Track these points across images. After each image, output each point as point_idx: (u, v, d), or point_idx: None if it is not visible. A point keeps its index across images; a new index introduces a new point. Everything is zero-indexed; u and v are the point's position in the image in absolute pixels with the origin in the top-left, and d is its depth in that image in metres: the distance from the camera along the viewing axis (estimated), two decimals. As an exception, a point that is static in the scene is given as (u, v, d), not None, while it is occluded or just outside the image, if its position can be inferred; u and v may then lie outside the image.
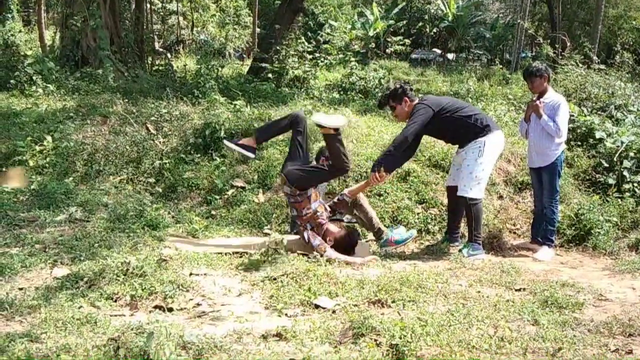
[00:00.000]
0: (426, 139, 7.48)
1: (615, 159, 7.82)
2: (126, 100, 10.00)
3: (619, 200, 7.29)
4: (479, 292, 4.75)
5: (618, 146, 7.92)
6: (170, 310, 4.15)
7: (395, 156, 6.15)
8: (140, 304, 4.19)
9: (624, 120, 9.21)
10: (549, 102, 6.39)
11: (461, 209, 6.34)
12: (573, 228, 6.95)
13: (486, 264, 5.68)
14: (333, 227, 6.03)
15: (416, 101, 6.31)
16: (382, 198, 7.45)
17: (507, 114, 10.44)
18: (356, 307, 4.25)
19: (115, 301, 4.22)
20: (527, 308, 4.24)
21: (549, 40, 14.13)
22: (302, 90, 12.61)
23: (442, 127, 6.22)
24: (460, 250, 6.15)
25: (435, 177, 7.82)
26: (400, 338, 3.39)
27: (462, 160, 6.21)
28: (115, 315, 3.96)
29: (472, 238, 6.20)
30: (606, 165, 7.93)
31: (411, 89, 6.40)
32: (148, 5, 16.36)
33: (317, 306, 4.26)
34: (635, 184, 7.50)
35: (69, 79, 11.57)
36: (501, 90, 13.09)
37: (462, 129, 6.12)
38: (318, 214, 5.95)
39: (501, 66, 16.73)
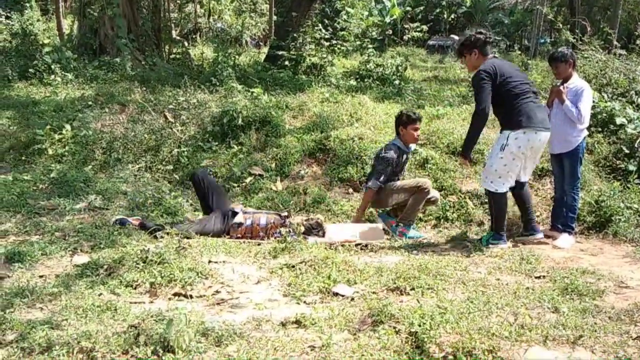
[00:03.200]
0: (445, 126, 7.42)
1: (636, 145, 7.72)
2: (144, 88, 10.05)
3: (640, 186, 7.21)
4: (498, 279, 4.73)
5: (639, 132, 7.83)
6: (190, 297, 4.16)
7: (477, 136, 6.05)
8: (159, 291, 4.21)
9: (645, 106, 9.09)
10: (573, 87, 6.29)
11: (524, 197, 6.16)
12: (593, 215, 6.87)
13: (505, 251, 5.64)
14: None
15: (490, 56, 5.92)
16: (400, 185, 7.43)
17: (526, 100, 10.33)
18: (375, 294, 4.23)
19: (135, 288, 4.24)
20: (547, 295, 4.20)
21: (568, 26, 13.96)
22: (319, 77, 12.59)
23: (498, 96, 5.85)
24: (480, 240, 6.11)
25: (453, 164, 7.78)
26: (420, 325, 3.38)
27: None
28: (135, 303, 3.98)
29: (492, 227, 6.12)
30: (627, 151, 7.83)
31: (486, 41, 5.94)
32: (165, -6, 16.33)
33: (335, 294, 4.25)
34: (657, 171, 7.42)
35: (87, 68, 11.63)
36: (520, 76, 12.96)
37: (502, 109, 5.85)
38: (255, 224, 6.23)
39: (520, 52, 16.59)
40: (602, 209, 6.77)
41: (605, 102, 8.81)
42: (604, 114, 8.56)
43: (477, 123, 5.89)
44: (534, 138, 5.73)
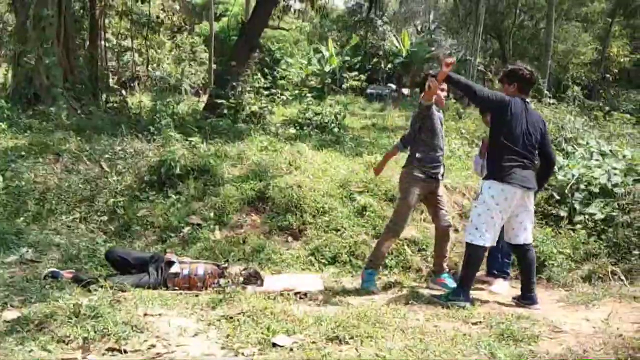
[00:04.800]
0: (383, 173, 7.47)
1: (566, 192, 7.96)
2: (79, 138, 9.89)
3: (571, 232, 7.40)
4: (436, 326, 4.76)
5: (569, 179, 8.07)
6: (124, 352, 4.06)
7: (461, 86, 5.79)
8: (92, 346, 4.09)
9: (574, 153, 9.41)
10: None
11: (523, 263, 5.86)
12: (527, 260, 7.01)
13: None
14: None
15: (516, 101, 5.61)
16: (339, 233, 7.46)
17: (460, 148, 10.62)
18: (314, 344, 4.20)
19: (67, 344, 4.10)
20: (484, 342, 4.25)
21: (498, 76, 14.46)
22: (259, 126, 12.65)
23: (491, 130, 5.79)
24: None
25: (391, 211, 7.84)
26: (358, 375, 3.38)
27: None
28: (67, 359, 3.86)
29: (458, 280, 5.86)
30: (558, 197, 8.06)
31: (530, 82, 5.77)
32: (103, 42, 16.27)
33: (274, 345, 4.20)
34: (586, 216, 7.64)
35: (21, 117, 11.39)
36: (454, 125, 13.31)
37: (490, 154, 5.75)
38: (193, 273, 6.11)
39: (454, 101, 17.03)
40: (536, 254, 6.92)
41: (536, 149, 9.09)
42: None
43: (465, 90, 5.86)
44: (509, 190, 5.48)
